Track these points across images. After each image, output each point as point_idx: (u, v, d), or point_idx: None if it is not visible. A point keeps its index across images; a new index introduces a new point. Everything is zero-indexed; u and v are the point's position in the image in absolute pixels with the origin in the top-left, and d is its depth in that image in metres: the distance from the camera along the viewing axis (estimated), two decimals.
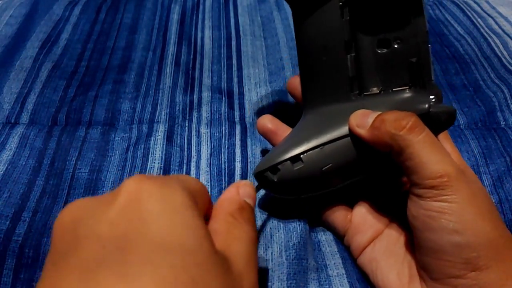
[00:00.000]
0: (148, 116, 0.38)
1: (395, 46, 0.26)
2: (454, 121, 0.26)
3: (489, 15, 0.53)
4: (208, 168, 0.34)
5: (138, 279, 0.15)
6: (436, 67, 0.45)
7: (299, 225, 0.29)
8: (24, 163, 0.33)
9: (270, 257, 0.27)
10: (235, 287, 0.18)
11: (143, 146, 0.35)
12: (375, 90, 0.27)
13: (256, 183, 0.29)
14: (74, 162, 0.34)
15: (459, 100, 0.41)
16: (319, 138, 0.26)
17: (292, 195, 0.28)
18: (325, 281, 0.27)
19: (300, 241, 0.28)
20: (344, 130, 0.26)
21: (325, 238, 0.29)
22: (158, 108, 0.39)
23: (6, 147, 0.34)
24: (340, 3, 0.26)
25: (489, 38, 0.49)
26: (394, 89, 0.27)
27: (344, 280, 0.27)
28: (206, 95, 0.40)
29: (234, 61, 0.45)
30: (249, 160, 0.34)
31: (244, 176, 0.33)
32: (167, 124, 0.37)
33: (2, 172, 0.32)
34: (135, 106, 0.39)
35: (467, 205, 0.22)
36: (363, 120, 0.25)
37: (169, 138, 0.36)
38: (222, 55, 0.45)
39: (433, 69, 0.26)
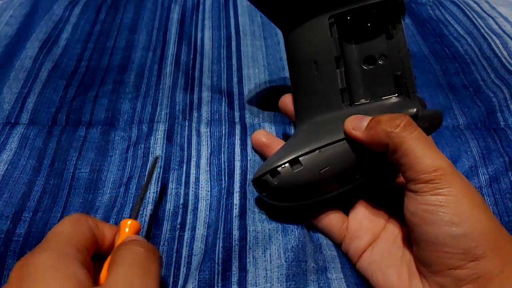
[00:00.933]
0: (148, 116, 0.38)
1: (380, 62, 0.28)
2: (441, 123, 0.28)
3: (489, 15, 0.53)
4: (208, 168, 0.34)
5: None
6: (436, 67, 0.45)
7: (297, 228, 0.29)
8: (24, 163, 0.33)
9: (268, 259, 0.27)
10: None
11: (143, 145, 0.35)
12: (363, 101, 0.29)
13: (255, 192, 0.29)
14: (74, 162, 0.34)
15: (459, 100, 0.41)
16: (316, 142, 0.28)
17: (291, 201, 0.29)
18: (325, 283, 0.27)
19: (298, 243, 0.28)
20: (340, 134, 0.27)
21: (326, 242, 0.29)
22: (158, 108, 0.39)
23: (6, 147, 0.34)
24: (330, 21, 0.28)
25: (489, 38, 0.49)
26: (382, 98, 0.28)
27: (342, 284, 0.27)
28: (206, 95, 0.40)
29: (234, 61, 0.45)
30: (248, 159, 0.34)
31: (244, 176, 0.33)
32: (167, 124, 0.37)
33: (2, 172, 0.32)
34: (135, 106, 0.39)
35: (463, 197, 0.22)
36: (358, 123, 0.26)
37: (169, 137, 0.36)
38: (222, 55, 0.45)
39: (415, 81, 0.28)
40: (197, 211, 0.31)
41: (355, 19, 0.28)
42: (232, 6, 0.53)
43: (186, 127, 0.37)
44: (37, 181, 0.32)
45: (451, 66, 0.45)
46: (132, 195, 0.31)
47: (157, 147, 0.35)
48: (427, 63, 0.46)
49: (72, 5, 0.52)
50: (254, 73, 0.43)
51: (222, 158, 0.34)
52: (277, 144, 0.32)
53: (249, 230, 0.29)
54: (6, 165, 0.33)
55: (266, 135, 0.33)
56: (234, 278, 0.27)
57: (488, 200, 0.32)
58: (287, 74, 0.42)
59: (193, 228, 0.30)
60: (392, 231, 0.27)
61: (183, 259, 0.29)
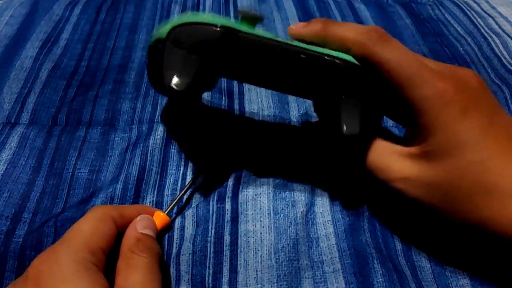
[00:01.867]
0: (148, 116, 0.38)
1: None
2: None
3: (489, 15, 0.53)
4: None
5: None
6: None
7: (289, 226, 0.29)
8: (24, 163, 0.33)
9: (259, 260, 0.28)
10: None
11: (142, 145, 0.35)
12: None
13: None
14: (74, 162, 0.34)
15: None
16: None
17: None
18: (320, 278, 0.27)
19: (290, 242, 0.28)
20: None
21: (325, 232, 0.29)
22: (158, 108, 0.39)
23: (6, 147, 0.34)
24: None
25: (489, 38, 0.49)
26: None
27: (339, 276, 0.27)
28: (206, 95, 0.40)
29: None
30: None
31: (238, 178, 0.33)
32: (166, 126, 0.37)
33: (2, 172, 0.32)
34: (135, 106, 0.39)
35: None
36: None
37: (168, 137, 0.36)
38: None
39: None
40: (187, 212, 0.31)
41: None
42: (232, 6, 0.53)
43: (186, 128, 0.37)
44: (36, 181, 0.32)
45: None
46: (131, 198, 0.31)
47: (156, 147, 0.35)
48: None
49: (72, 5, 0.52)
50: None
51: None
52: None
53: (240, 235, 0.29)
54: (6, 165, 0.33)
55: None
56: (225, 279, 0.27)
57: None
58: None
59: (182, 228, 0.30)
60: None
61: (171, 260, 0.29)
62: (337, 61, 0.26)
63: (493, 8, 0.54)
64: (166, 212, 0.29)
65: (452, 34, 0.50)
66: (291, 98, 0.40)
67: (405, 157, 0.25)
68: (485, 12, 0.53)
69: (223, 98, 0.40)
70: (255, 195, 0.31)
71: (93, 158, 0.34)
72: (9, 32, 0.47)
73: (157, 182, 0.33)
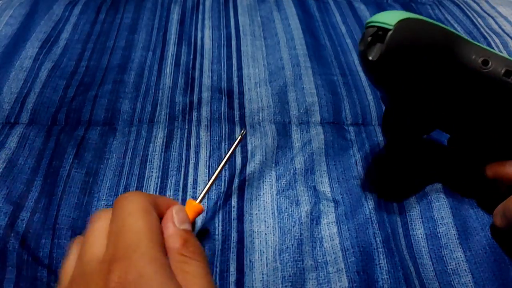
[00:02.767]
0: (148, 116, 0.38)
1: None
2: None
3: (489, 15, 0.53)
4: (207, 170, 0.34)
5: None
6: None
7: (293, 226, 0.29)
8: (23, 162, 0.33)
9: (264, 262, 0.28)
10: None
11: (142, 145, 0.35)
12: None
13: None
14: (70, 161, 0.34)
15: None
16: None
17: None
18: (324, 279, 0.27)
19: (294, 242, 0.28)
20: None
21: (328, 233, 0.29)
22: (158, 108, 0.39)
23: (5, 146, 0.34)
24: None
25: (489, 38, 0.49)
26: None
27: (343, 275, 0.27)
28: (206, 95, 0.40)
29: (234, 61, 0.45)
30: (248, 159, 0.34)
31: (243, 178, 0.33)
32: (166, 124, 0.37)
33: (0, 170, 0.32)
34: (134, 106, 0.39)
35: None
36: None
37: (169, 137, 0.36)
38: (222, 55, 0.45)
39: None
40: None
41: None
42: (232, 6, 0.53)
43: (186, 130, 0.37)
44: (35, 181, 0.32)
45: None
46: None
47: (157, 147, 0.35)
48: None
49: (72, 5, 0.52)
50: (254, 72, 0.43)
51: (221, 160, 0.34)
52: None
53: (246, 235, 0.29)
54: (5, 163, 0.33)
55: None
56: (232, 279, 0.27)
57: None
58: (287, 73, 0.42)
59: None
60: None
61: None
62: None
63: (493, 8, 0.54)
64: (198, 200, 0.27)
65: None
66: (291, 98, 0.40)
67: None
68: (485, 12, 0.53)
69: (223, 98, 0.40)
70: (259, 195, 0.31)
71: (90, 159, 0.34)
72: (9, 32, 0.47)
73: (158, 185, 0.33)
